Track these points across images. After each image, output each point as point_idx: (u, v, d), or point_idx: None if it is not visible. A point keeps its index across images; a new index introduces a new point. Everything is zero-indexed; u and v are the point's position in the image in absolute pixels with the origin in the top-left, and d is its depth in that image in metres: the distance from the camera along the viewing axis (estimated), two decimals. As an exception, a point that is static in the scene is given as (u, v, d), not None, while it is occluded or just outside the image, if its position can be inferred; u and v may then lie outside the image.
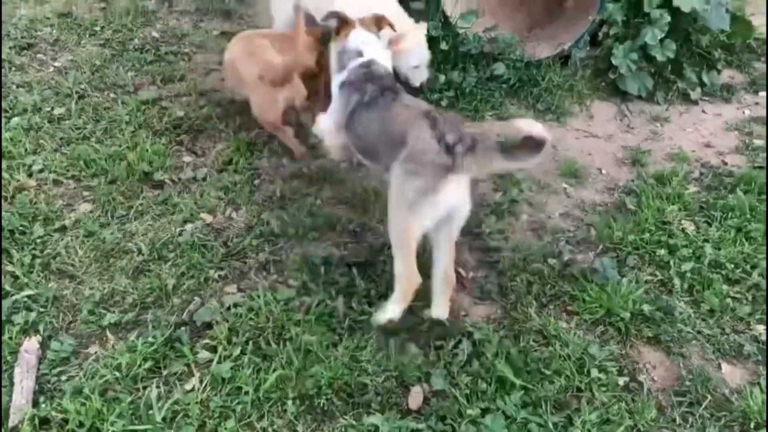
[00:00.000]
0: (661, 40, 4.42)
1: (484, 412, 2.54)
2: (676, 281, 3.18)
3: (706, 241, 3.41)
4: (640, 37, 4.43)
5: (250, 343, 2.75)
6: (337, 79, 3.16)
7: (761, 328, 3.01)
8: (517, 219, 3.57)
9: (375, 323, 2.82)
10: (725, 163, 4.08)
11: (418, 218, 2.60)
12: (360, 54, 3.12)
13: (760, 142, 4.24)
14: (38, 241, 3.19)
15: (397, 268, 2.72)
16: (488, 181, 3.83)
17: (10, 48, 4.60)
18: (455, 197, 2.64)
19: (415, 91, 3.92)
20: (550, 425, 2.51)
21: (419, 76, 4.00)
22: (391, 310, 2.78)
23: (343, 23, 3.21)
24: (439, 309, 2.88)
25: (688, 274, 3.20)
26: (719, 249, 3.36)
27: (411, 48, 3.76)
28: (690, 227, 3.51)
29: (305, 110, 3.80)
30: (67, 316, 2.88)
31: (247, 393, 2.56)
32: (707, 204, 3.66)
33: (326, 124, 3.18)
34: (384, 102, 2.92)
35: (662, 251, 3.31)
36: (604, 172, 4.00)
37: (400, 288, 2.74)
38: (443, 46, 4.53)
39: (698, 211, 3.62)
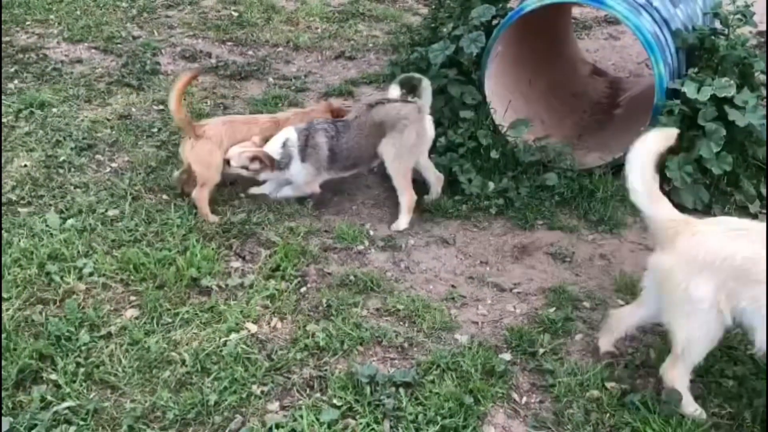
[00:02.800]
0: (717, 153, 4.33)
1: None
2: (747, 415, 2.96)
3: (777, 370, 3.20)
4: (695, 149, 4.36)
5: (292, 470, 2.63)
6: (296, 164, 4.18)
7: None
8: (572, 338, 3.43)
9: (395, 229, 4.15)
10: (791, 283, 3.88)
11: (415, 157, 4.19)
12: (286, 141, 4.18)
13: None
14: (83, 348, 3.17)
15: (402, 195, 4.18)
16: (540, 296, 3.72)
17: (71, 149, 4.76)
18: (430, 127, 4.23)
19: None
20: None
21: None
22: (404, 222, 4.18)
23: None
24: (435, 192, 4.40)
25: (762, 410, 2.98)
26: (792, 381, 3.14)
27: None
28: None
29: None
30: (106, 430, 2.81)
31: None
32: (775, 328, 3.46)
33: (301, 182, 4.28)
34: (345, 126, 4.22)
35: (730, 381, 3.11)
36: (661, 288, 3.84)
37: (406, 205, 4.18)
38: (493, 154, 4.53)
39: (766, 336, 3.42)
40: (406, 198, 4.21)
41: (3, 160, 4.60)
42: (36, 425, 2.77)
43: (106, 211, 4.15)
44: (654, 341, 3.41)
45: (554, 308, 3.61)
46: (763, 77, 4.64)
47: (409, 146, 4.14)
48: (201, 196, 4.11)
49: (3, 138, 4.87)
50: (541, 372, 3.20)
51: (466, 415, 2.91)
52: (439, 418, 2.87)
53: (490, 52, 4.72)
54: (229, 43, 6.85)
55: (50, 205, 4.18)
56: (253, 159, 4.11)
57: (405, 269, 3.92)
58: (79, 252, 3.76)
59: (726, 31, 4.76)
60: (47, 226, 3.95)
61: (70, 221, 4.00)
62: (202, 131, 4.15)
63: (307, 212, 4.30)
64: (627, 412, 2.97)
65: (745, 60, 4.62)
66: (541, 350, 3.30)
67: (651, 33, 4.56)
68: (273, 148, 4.16)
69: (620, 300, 3.70)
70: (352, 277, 3.75)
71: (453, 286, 3.80)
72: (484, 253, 4.09)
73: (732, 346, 3.33)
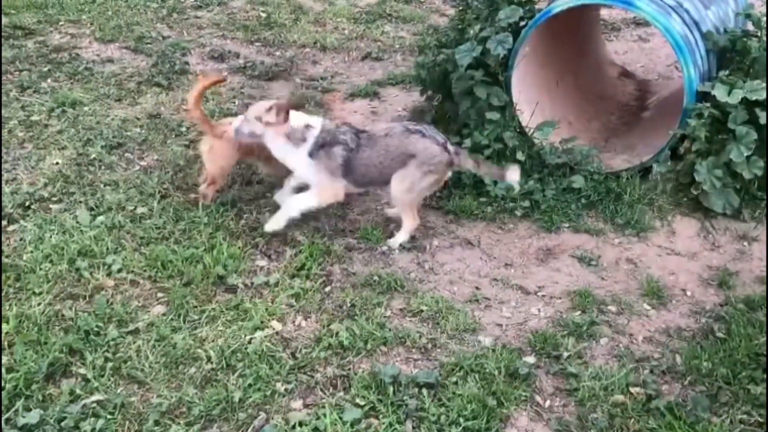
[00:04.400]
0: (748, 157, 4.27)
1: None
2: (775, 423, 2.92)
3: (807, 378, 3.14)
4: (725, 153, 4.30)
5: (315, 468, 2.65)
6: (302, 150, 3.92)
7: None
8: (597, 342, 3.40)
9: (394, 245, 4.04)
10: (823, 290, 3.82)
11: (422, 197, 4.18)
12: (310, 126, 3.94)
13: None
14: (111, 343, 3.23)
15: (406, 218, 4.07)
16: (565, 299, 3.70)
17: (101, 147, 4.84)
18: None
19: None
20: None
21: None
22: (402, 239, 4.07)
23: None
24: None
25: (791, 417, 2.94)
26: (822, 389, 3.08)
27: None
28: (787, 361, 3.26)
29: None
30: (133, 424, 2.85)
31: None
32: (806, 335, 3.40)
33: (321, 187, 4.01)
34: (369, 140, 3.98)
35: (758, 388, 3.06)
36: (688, 293, 3.80)
37: (408, 228, 4.08)
38: (519, 156, 4.51)
39: (796, 343, 3.37)
40: (410, 222, 4.07)
41: (36, 158, 4.70)
42: (65, 417, 2.82)
43: (135, 208, 4.21)
44: (680, 346, 3.37)
45: (579, 312, 3.58)
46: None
47: (423, 188, 4.03)
48: (209, 193, 4.23)
49: (36, 136, 4.98)
50: (565, 375, 3.18)
51: (488, 417, 2.90)
52: (461, 420, 2.88)
53: (517, 53, 4.71)
54: (257, 44, 6.91)
55: (81, 202, 4.26)
56: (270, 109, 3.89)
57: (429, 270, 3.92)
58: (108, 249, 3.82)
59: (759, 33, 4.69)
60: (77, 222, 4.02)
61: (99, 218, 4.06)
62: (222, 131, 4.14)
63: (332, 212, 4.32)
64: (652, 417, 2.95)
65: (777, 62, 4.54)
66: (566, 354, 3.28)
67: (681, 35, 4.51)
68: (297, 121, 3.94)
69: (646, 304, 3.67)
70: (376, 278, 3.76)
71: (477, 287, 3.79)
72: (508, 255, 4.07)
73: (760, 353, 3.28)
